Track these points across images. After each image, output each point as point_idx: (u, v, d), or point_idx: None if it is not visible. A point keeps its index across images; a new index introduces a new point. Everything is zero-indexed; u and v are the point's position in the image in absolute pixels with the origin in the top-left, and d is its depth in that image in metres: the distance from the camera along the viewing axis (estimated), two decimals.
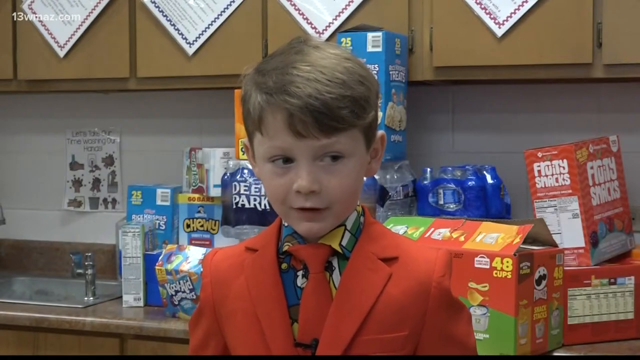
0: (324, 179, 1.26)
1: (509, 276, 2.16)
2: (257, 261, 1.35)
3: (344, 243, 1.32)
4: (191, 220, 3.08)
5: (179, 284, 2.68)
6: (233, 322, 1.36)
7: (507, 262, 2.16)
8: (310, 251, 1.31)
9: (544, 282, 2.24)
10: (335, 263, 1.32)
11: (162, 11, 2.95)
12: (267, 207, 2.76)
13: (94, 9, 3.04)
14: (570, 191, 2.41)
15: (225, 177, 2.84)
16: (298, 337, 1.30)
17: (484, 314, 2.19)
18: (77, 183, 3.52)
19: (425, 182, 2.72)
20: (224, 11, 2.88)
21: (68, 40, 3.08)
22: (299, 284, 1.33)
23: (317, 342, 1.29)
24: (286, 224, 1.34)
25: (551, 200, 2.43)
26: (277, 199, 1.29)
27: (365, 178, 1.36)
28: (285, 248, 1.33)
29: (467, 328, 1.36)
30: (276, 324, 1.31)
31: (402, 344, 1.30)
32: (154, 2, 2.95)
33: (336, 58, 1.27)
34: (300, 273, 1.33)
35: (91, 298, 3.02)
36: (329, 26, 2.75)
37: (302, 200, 1.26)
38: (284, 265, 1.34)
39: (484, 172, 2.70)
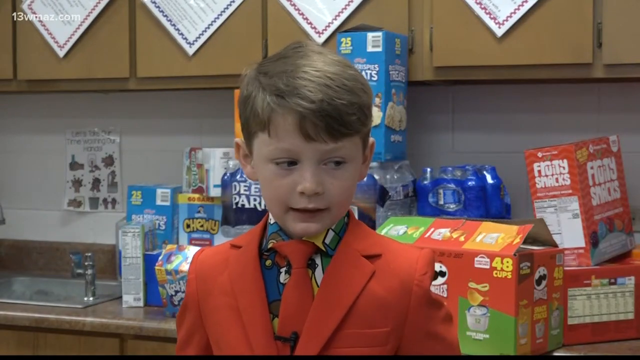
0: (326, 182, 1.29)
1: (509, 276, 2.16)
2: (240, 257, 1.38)
3: (327, 241, 1.35)
4: (191, 220, 3.08)
5: (179, 284, 2.68)
6: (216, 316, 1.38)
7: (507, 262, 2.16)
8: (293, 247, 1.34)
9: (544, 282, 2.24)
10: (318, 260, 1.35)
11: (162, 11, 2.95)
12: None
13: (94, 9, 3.04)
14: (570, 191, 2.41)
15: (225, 177, 2.84)
16: (278, 331, 1.33)
17: (484, 314, 2.19)
18: (77, 183, 3.52)
19: (425, 182, 2.72)
20: (224, 11, 2.88)
21: (68, 40, 3.08)
22: (281, 280, 1.35)
23: (297, 336, 1.31)
24: (272, 222, 1.37)
25: (551, 200, 2.43)
26: (277, 200, 1.32)
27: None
28: (270, 245, 1.36)
29: (447, 324, 1.39)
30: (256, 318, 1.33)
31: (385, 339, 1.32)
32: (154, 2, 2.95)
33: (339, 64, 1.31)
34: (283, 270, 1.35)
35: (91, 298, 3.02)
36: (329, 26, 2.75)
37: (305, 202, 1.29)
38: (268, 262, 1.37)
39: (484, 172, 2.70)
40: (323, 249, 1.34)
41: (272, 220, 1.37)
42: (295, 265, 1.33)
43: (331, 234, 1.35)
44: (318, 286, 1.33)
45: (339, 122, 1.27)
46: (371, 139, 1.38)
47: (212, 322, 1.39)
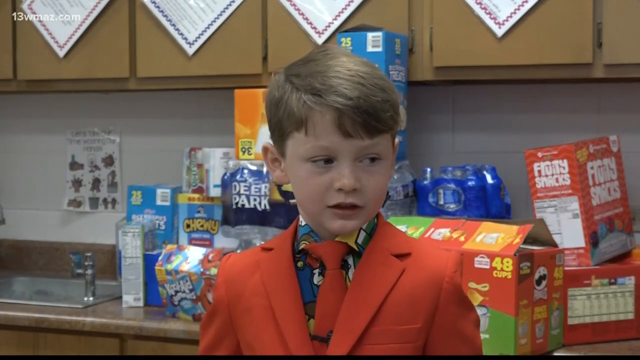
0: (363, 178, 1.32)
1: (509, 276, 2.16)
2: (272, 259, 1.39)
3: (359, 241, 1.37)
4: (191, 220, 3.08)
5: (179, 284, 2.68)
6: (249, 318, 1.39)
7: (507, 262, 2.16)
8: (327, 248, 1.35)
9: (544, 282, 2.24)
10: (350, 261, 1.36)
11: (162, 11, 2.95)
12: (267, 207, 2.75)
13: (94, 9, 3.04)
14: (570, 191, 2.41)
15: (225, 177, 2.84)
16: (314, 331, 1.34)
17: (484, 314, 2.19)
18: (77, 183, 3.52)
19: (425, 182, 2.72)
20: (224, 11, 2.88)
21: (68, 40, 3.08)
22: (315, 282, 1.36)
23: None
24: (302, 224, 1.38)
25: (551, 200, 2.43)
26: (314, 198, 1.33)
27: None
28: (302, 246, 1.37)
29: (475, 329, 1.40)
30: (292, 319, 1.34)
31: (416, 336, 1.33)
32: (154, 2, 2.95)
33: (368, 65, 1.35)
34: (316, 271, 1.36)
35: (91, 298, 3.02)
36: (329, 26, 2.75)
37: (342, 197, 1.31)
38: (299, 264, 1.38)
39: (484, 172, 2.70)
40: (356, 249, 1.36)
41: (302, 222, 1.39)
42: (329, 267, 1.35)
43: (363, 234, 1.37)
44: (350, 282, 1.35)
45: (374, 119, 1.30)
46: (396, 139, 1.41)
47: (245, 323, 1.39)
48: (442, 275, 1.36)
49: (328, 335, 1.32)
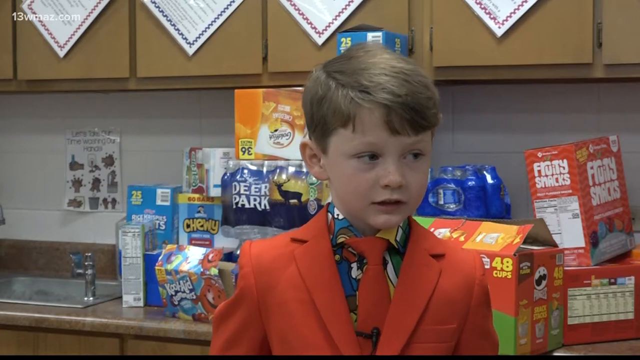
0: (407, 175, 1.33)
1: (509, 276, 2.16)
2: (309, 252, 1.38)
3: (397, 238, 1.38)
4: (191, 220, 3.08)
5: (179, 284, 2.68)
6: (283, 310, 1.37)
7: (507, 262, 2.16)
8: (369, 244, 1.37)
9: (544, 282, 2.24)
10: (388, 257, 1.38)
11: (162, 11, 2.95)
12: (267, 207, 2.75)
13: (94, 9, 3.04)
14: (570, 191, 2.41)
15: (225, 177, 2.84)
16: (358, 327, 1.35)
17: None
18: (77, 183, 3.52)
19: None
20: (224, 11, 2.88)
21: (68, 40, 3.09)
22: (353, 276, 1.37)
23: (378, 331, 1.34)
24: (340, 218, 1.38)
25: (551, 200, 2.43)
26: (359, 194, 1.33)
27: None
28: (341, 240, 1.38)
29: (492, 324, 1.48)
30: (336, 313, 1.34)
31: (452, 335, 1.38)
32: (154, 2, 2.95)
33: (410, 62, 1.36)
34: (354, 265, 1.37)
35: (91, 298, 3.02)
36: (329, 26, 2.75)
37: (389, 194, 1.32)
38: (336, 257, 1.38)
39: (484, 172, 2.70)
40: (395, 246, 1.38)
41: (339, 216, 1.39)
42: (371, 262, 1.36)
43: (400, 231, 1.39)
44: (391, 282, 1.37)
45: (420, 116, 1.31)
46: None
47: (277, 316, 1.37)
48: (474, 278, 1.41)
49: (372, 331, 1.34)
